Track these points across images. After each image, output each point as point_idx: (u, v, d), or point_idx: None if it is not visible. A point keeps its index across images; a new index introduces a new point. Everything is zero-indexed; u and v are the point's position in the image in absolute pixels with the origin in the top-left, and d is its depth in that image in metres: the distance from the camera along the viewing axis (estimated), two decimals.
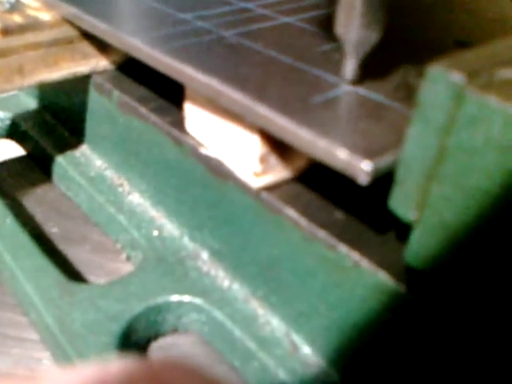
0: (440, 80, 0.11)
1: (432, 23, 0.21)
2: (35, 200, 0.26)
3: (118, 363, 0.09)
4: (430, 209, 0.12)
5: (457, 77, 0.10)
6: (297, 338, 0.18)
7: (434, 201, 0.12)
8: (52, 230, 0.24)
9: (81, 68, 0.24)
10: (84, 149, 0.27)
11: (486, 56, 0.11)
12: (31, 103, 0.31)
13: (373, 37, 0.14)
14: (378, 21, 0.14)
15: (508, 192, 0.11)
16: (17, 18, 0.23)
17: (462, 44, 0.18)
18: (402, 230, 0.15)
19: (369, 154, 0.12)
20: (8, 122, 0.30)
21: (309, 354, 0.17)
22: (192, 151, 0.19)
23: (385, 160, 0.12)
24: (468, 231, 0.12)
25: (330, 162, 0.13)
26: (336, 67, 0.16)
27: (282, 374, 0.17)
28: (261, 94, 0.15)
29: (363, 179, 0.12)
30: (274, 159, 0.17)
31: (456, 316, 0.13)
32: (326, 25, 0.20)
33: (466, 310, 0.13)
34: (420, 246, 0.13)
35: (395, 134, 0.13)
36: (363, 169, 0.12)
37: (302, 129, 0.13)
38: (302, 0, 0.23)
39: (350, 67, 0.15)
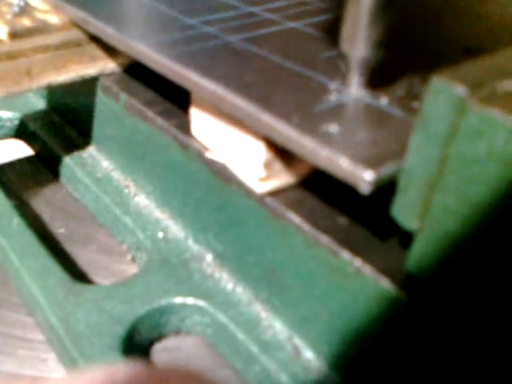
0: (442, 92, 0.11)
1: (441, 29, 0.21)
2: (42, 200, 0.26)
3: (123, 368, 0.09)
4: (432, 218, 0.12)
5: (459, 89, 0.10)
6: (299, 342, 0.18)
7: (436, 210, 0.12)
8: (59, 230, 0.24)
9: (88, 70, 0.24)
10: (91, 150, 0.27)
11: (489, 67, 0.11)
12: (40, 104, 0.31)
13: (377, 55, 0.14)
14: (383, 39, 0.14)
15: (508, 203, 0.11)
16: (25, 22, 0.23)
17: (471, 51, 0.18)
18: (405, 236, 0.15)
19: (371, 163, 0.12)
20: (17, 123, 0.31)
21: (311, 358, 0.17)
22: (197, 155, 0.20)
23: (387, 170, 0.12)
24: (469, 241, 0.12)
25: (332, 171, 0.13)
26: (341, 74, 0.16)
27: (283, 378, 0.17)
28: (265, 102, 0.15)
29: (365, 189, 0.12)
30: (278, 165, 0.17)
31: (455, 322, 0.13)
32: (332, 30, 0.20)
33: (464, 316, 0.13)
34: (421, 254, 0.13)
35: (398, 143, 0.13)
36: (365, 178, 0.12)
37: (305, 137, 0.13)
38: (308, 4, 0.23)
39: (354, 81, 0.15)
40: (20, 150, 0.30)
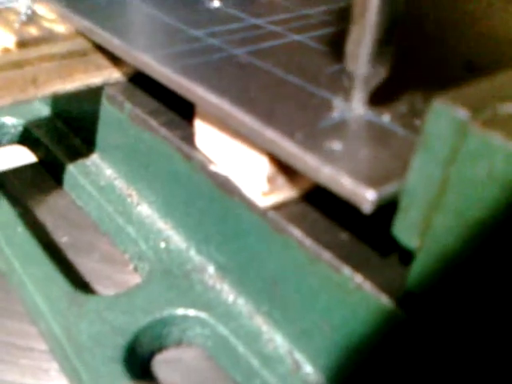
0: (444, 114, 0.11)
1: (443, 45, 0.21)
2: (46, 208, 0.26)
3: None
4: (432, 237, 0.12)
5: (460, 112, 0.11)
6: (299, 356, 0.18)
7: (436, 230, 0.12)
8: (62, 239, 0.24)
9: (94, 79, 0.24)
10: (95, 158, 0.28)
11: (490, 90, 0.12)
12: (44, 110, 0.32)
13: (381, 73, 0.14)
14: (387, 58, 0.14)
15: (507, 224, 0.11)
16: (32, 30, 0.23)
17: (472, 67, 0.18)
18: (406, 253, 0.15)
19: (373, 182, 0.12)
20: (21, 129, 0.31)
21: (311, 372, 0.17)
22: (201, 167, 0.20)
23: (389, 189, 0.12)
24: (469, 261, 0.12)
25: (334, 189, 0.13)
26: (344, 90, 0.16)
27: None
28: (269, 118, 0.15)
29: (367, 208, 0.12)
30: (281, 179, 0.17)
31: (454, 339, 0.13)
32: (335, 44, 0.20)
33: (463, 333, 0.13)
34: (421, 273, 0.13)
35: (400, 161, 0.13)
36: (367, 198, 0.12)
37: (308, 155, 0.13)
38: (312, 17, 0.23)
39: (358, 99, 0.15)
40: (23, 156, 0.30)
